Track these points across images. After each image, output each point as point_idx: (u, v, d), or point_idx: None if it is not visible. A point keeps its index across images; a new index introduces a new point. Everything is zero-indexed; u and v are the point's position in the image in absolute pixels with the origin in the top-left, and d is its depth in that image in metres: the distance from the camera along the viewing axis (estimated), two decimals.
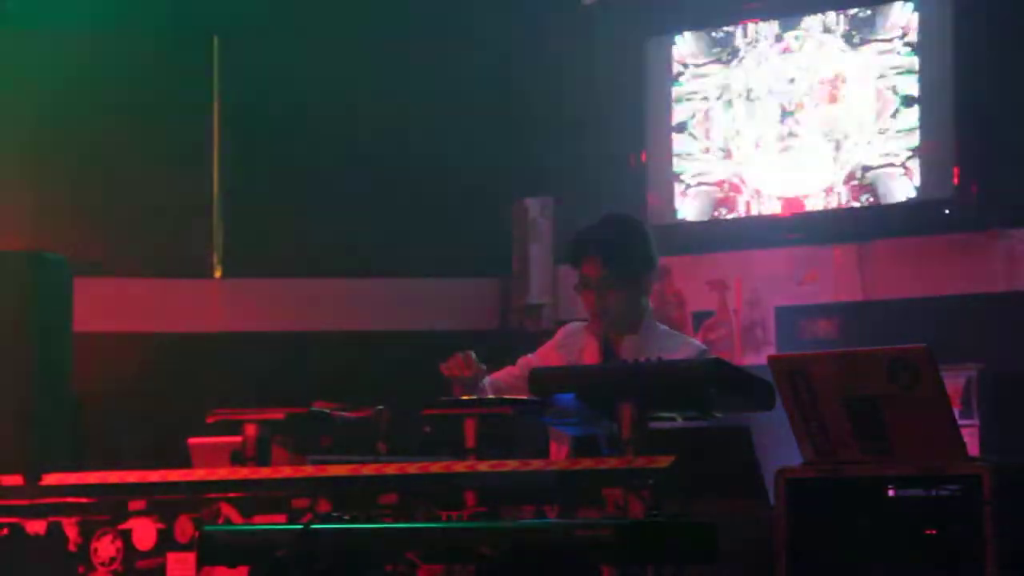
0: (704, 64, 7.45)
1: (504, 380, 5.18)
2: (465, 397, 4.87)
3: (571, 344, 5.28)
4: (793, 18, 7.25)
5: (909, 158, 6.98)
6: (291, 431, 4.84)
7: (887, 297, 6.98)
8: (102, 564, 4.74)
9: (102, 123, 7.61)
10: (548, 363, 5.21)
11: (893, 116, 7.01)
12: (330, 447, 4.87)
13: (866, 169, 7.07)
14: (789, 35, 7.26)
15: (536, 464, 4.58)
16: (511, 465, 4.37)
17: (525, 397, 4.66)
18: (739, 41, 7.37)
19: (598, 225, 5.31)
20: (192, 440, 5.12)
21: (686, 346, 5.21)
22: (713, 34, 7.42)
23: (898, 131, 7.00)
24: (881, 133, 7.04)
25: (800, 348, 6.88)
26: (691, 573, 4.03)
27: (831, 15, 7.16)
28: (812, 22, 7.21)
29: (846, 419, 4.39)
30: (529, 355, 5.35)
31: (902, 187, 7.00)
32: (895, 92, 7.01)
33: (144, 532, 4.70)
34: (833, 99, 7.15)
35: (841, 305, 7.08)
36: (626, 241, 5.23)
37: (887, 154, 7.02)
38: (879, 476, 4.39)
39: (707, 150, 7.44)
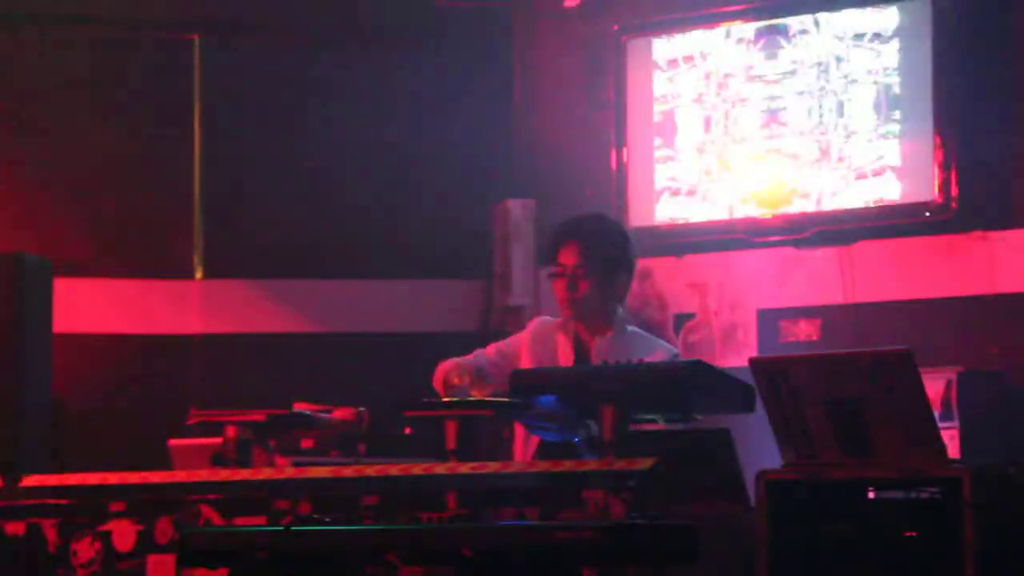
0: (685, 65, 7.45)
1: (487, 359, 5.22)
2: (447, 399, 4.86)
3: (543, 344, 5.26)
4: (774, 20, 7.25)
5: (890, 160, 6.98)
6: (272, 432, 4.82)
7: (868, 300, 6.98)
8: (81, 566, 4.71)
9: (83, 124, 7.58)
10: (520, 360, 5.21)
11: (873, 119, 7.01)
12: (311, 448, 4.86)
13: (847, 171, 7.07)
14: (770, 37, 7.26)
15: (517, 466, 4.57)
16: (492, 467, 4.34)
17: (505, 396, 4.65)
18: (720, 42, 7.37)
19: (580, 216, 5.38)
20: (172, 441, 5.11)
21: (659, 349, 5.20)
22: (694, 35, 7.42)
23: (878, 133, 7.01)
24: (862, 135, 7.04)
25: (781, 350, 6.91)
26: (671, 575, 4.02)
27: (811, 17, 7.16)
28: (793, 24, 7.21)
29: (827, 421, 4.39)
30: (500, 343, 5.35)
31: (883, 190, 7.00)
32: (875, 95, 7.02)
33: (124, 534, 4.67)
34: (814, 101, 7.16)
35: (822, 308, 7.07)
36: (605, 233, 5.28)
37: (868, 156, 7.03)
38: (859, 478, 4.39)
39: (688, 151, 7.43)
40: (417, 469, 4.41)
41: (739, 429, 4.55)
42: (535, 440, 5.03)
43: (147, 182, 7.62)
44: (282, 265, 7.70)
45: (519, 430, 5.18)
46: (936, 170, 6.84)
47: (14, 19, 7.57)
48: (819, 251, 7.11)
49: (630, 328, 5.33)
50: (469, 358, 5.18)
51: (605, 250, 5.20)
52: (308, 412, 4.87)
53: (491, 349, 5.29)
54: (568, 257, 5.18)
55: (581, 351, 5.22)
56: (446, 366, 5.03)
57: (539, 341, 5.27)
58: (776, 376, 4.40)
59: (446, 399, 4.83)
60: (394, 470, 4.44)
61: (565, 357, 5.22)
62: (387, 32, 7.78)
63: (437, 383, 5.02)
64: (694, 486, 4.35)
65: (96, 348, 7.41)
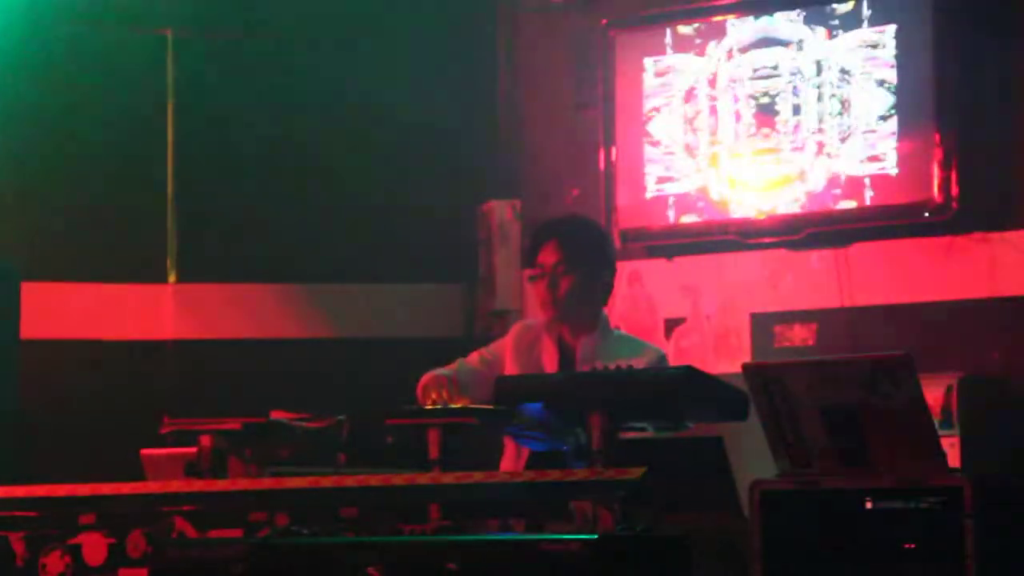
0: (676, 61, 7.39)
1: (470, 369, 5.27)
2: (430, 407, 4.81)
3: (527, 348, 5.31)
4: (768, 15, 7.21)
5: (888, 159, 6.93)
6: (248, 442, 4.78)
7: (865, 303, 6.95)
8: None
9: (52, 123, 7.52)
10: (504, 366, 5.25)
11: (871, 117, 6.97)
12: (289, 458, 4.82)
13: (844, 171, 7.01)
14: (764, 32, 7.21)
15: (502, 476, 4.58)
16: (476, 477, 4.34)
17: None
18: (713, 38, 7.31)
19: (556, 217, 5.57)
20: (145, 451, 5.09)
21: (645, 351, 5.24)
22: (685, 30, 7.37)
23: (877, 132, 6.96)
24: (859, 134, 6.99)
25: (776, 356, 6.88)
26: None
27: (807, 12, 7.12)
28: (787, 19, 7.16)
29: (823, 429, 4.46)
30: (483, 350, 5.40)
31: (881, 190, 6.94)
32: (873, 92, 6.96)
33: (95, 547, 4.68)
34: (809, 99, 7.10)
35: (818, 312, 7.05)
36: (583, 229, 5.39)
37: (865, 156, 6.98)
38: (857, 488, 4.44)
39: (680, 150, 7.38)
40: (399, 479, 4.39)
41: (732, 437, 4.54)
42: (526, 453, 5.06)
43: (119, 183, 7.58)
44: (258, 269, 7.67)
45: (509, 444, 5.18)
46: (936, 169, 6.79)
47: None
48: (814, 253, 7.08)
49: (615, 330, 5.39)
50: (452, 367, 5.22)
51: (584, 245, 5.28)
52: (286, 421, 4.84)
53: (474, 357, 5.34)
54: (547, 256, 5.24)
55: (566, 353, 5.26)
56: (425, 379, 5.05)
57: (522, 345, 5.31)
58: (770, 382, 4.46)
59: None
60: (375, 480, 4.42)
61: (549, 359, 5.25)
62: (366, 28, 7.75)
63: (419, 396, 5.02)
64: (686, 496, 4.35)
65: (66, 354, 7.36)
